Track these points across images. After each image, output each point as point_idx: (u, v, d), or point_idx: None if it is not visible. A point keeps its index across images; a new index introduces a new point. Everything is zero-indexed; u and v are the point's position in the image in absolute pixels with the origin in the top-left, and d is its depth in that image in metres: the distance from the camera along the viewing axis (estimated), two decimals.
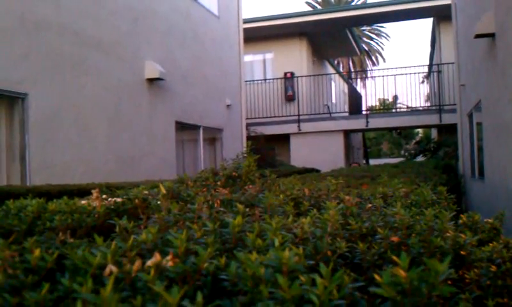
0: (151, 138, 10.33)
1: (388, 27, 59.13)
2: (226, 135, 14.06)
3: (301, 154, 16.72)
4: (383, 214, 2.18)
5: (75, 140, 8.09)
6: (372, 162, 25.57)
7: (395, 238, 1.60)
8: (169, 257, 1.14)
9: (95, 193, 2.17)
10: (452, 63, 14.81)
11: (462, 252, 1.58)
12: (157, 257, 1.11)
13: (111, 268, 1.06)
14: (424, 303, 0.88)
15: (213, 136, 13.75)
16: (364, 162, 24.47)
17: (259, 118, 17.89)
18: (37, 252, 1.19)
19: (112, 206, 2.19)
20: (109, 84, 9.10)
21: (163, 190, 1.83)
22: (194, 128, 12.49)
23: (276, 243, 1.29)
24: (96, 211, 2.05)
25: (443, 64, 17.19)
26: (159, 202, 2.31)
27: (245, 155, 3.56)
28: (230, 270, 1.07)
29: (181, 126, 11.70)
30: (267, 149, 15.63)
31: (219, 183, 3.16)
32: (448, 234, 1.68)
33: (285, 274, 0.97)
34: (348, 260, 1.56)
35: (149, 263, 1.10)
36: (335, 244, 1.51)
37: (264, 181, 3.12)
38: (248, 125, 16.14)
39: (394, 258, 0.98)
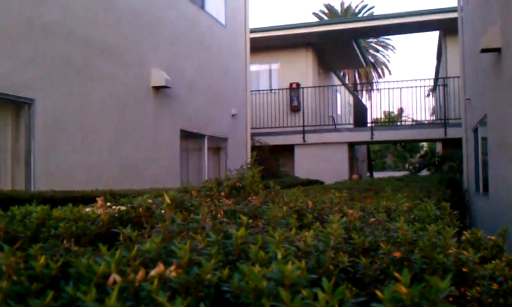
0: (156, 146, 10.35)
1: (395, 40, 59.12)
2: (230, 145, 14.07)
3: (305, 165, 16.72)
4: (386, 229, 2.19)
5: (80, 146, 8.12)
6: (376, 174, 25.53)
7: (397, 254, 1.60)
8: (172, 267, 1.14)
9: (99, 201, 2.18)
10: (458, 77, 14.81)
11: (464, 270, 1.59)
12: (160, 267, 1.12)
13: (115, 277, 1.07)
14: None
15: (217, 145, 13.77)
16: (368, 174, 24.43)
17: (264, 128, 17.90)
18: (42, 259, 1.20)
19: (116, 215, 2.20)
20: (115, 90, 9.14)
21: (167, 200, 1.84)
22: (199, 137, 12.51)
23: (279, 256, 1.30)
24: (100, 219, 2.06)
25: (449, 77, 17.19)
26: (162, 211, 2.32)
27: (249, 165, 3.57)
28: (233, 282, 1.08)
29: (186, 135, 11.72)
30: (272, 160, 15.64)
31: (222, 193, 3.17)
32: (450, 251, 1.68)
33: (287, 288, 0.98)
34: (350, 275, 1.56)
35: (152, 273, 1.11)
36: (337, 258, 1.51)
37: (268, 192, 3.13)
38: (252, 134, 16.16)
39: (396, 274, 0.98)
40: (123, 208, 2.29)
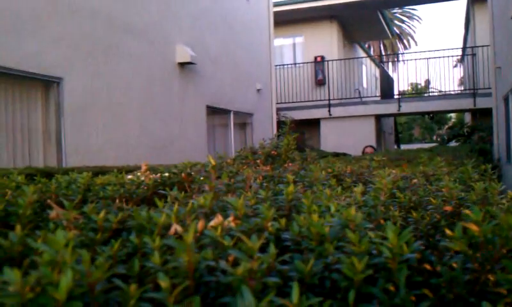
0: (182, 122, 10.40)
1: (420, 10, 57.81)
2: (256, 120, 14.06)
3: (331, 139, 16.62)
4: (427, 191, 2.17)
5: (108, 124, 8.19)
6: (404, 147, 25.27)
7: (448, 208, 1.59)
8: (230, 218, 1.16)
9: (143, 166, 2.21)
10: (487, 46, 14.47)
11: None
12: (219, 218, 1.13)
13: (176, 227, 1.09)
14: (497, 257, 0.88)
15: (243, 121, 13.76)
16: (395, 147, 24.20)
17: (289, 102, 17.81)
18: (102, 213, 1.22)
19: (159, 180, 2.23)
20: (141, 68, 9.17)
21: (212, 162, 1.85)
22: (225, 112, 12.52)
23: (332, 209, 1.30)
24: (145, 183, 2.09)
25: (477, 46, 16.80)
26: (202, 178, 2.35)
27: (282, 135, 3.57)
28: (293, 230, 1.08)
29: (212, 111, 11.74)
30: (298, 134, 15.54)
31: (258, 161, 3.18)
32: (501, 204, 1.66)
33: (352, 230, 0.98)
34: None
35: (212, 223, 1.12)
36: (388, 212, 1.51)
37: (304, 159, 3.13)
38: (278, 109, 16.10)
39: (467, 211, 0.97)
40: (165, 174, 2.32)
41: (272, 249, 0.86)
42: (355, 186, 2.16)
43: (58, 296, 0.67)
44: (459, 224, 0.92)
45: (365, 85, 22.12)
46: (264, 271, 0.79)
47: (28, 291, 0.67)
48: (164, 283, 0.74)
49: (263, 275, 0.79)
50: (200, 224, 1.11)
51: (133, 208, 1.40)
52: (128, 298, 0.74)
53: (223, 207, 1.42)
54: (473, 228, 0.89)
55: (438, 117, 37.99)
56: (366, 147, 15.51)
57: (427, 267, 0.94)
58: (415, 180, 2.31)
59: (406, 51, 38.85)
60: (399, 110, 16.62)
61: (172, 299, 0.73)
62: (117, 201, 1.61)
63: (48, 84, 7.32)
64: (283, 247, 1.10)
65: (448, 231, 0.92)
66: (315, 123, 17.36)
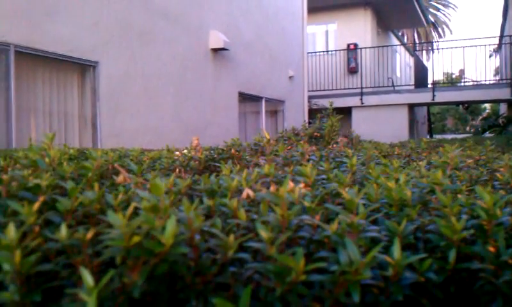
0: (215, 108, 10.41)
1: None
2: (288, 107, 13.99)
3: (363, 128, 16.40)
4: (480, 171, 2.11)
5: (142, 108, 8.26)
6: (437, 137, 24.86)
7: None
8: (301, 185, 1.13)
9: (195, 140, 2.21)
10: None
11: None
12: (290, 184, 1.11)
13: (248, 192, 1.07)
14: None
15: (275, 108, 13.71)
16: (428, 137, 23.83)
17: (321, 90, 17.64)
18: (171, 179, 1.22)
19: (208, 156, 2.23)
20: (175, 53, 9.20)
21: (267, 136, 1.83)
22: (257, 99, 12.49)
23: (402, 179, 1.26)
24: (197, 157, 2.09)
25: None
26: (247, 156, 2.33)
27: (325, 117, 3.53)
28: (370, 196, 1.05)
29: (244, 98, 11.73)
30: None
31: (301, 142, 3.15)
32: None
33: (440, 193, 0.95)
34: None
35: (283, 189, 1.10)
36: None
37: (349, 140, 3.09)
38: (309, 97, 15.99)
39: None
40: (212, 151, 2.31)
41: (361, 208, 0.83)
42: (404, 167, 2.11)
43: (164, 240, 0.66)
44: None
45: (398, 74, 21.76)
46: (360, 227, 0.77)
47: (133, 235, 0.66)
48: (264, 233, 0.73)
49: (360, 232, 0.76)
50: (272, 189, 1.09)
51: (197, 177, 1.39)
52: (227, 247, 0.72)
53: (285, 177, 1.40)
54: None
55: (471, 107, 37.20)
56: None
57: None
58: (471, 160, 2.25)
59: (441, 40, 38.10)
60: (433, 99, 16.31)
61: (273, 250, 0.71)
62: (177, 170, 1.61)
63: (84, 68, 7.41)
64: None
65: None
66: (347, 112, 17.17)
